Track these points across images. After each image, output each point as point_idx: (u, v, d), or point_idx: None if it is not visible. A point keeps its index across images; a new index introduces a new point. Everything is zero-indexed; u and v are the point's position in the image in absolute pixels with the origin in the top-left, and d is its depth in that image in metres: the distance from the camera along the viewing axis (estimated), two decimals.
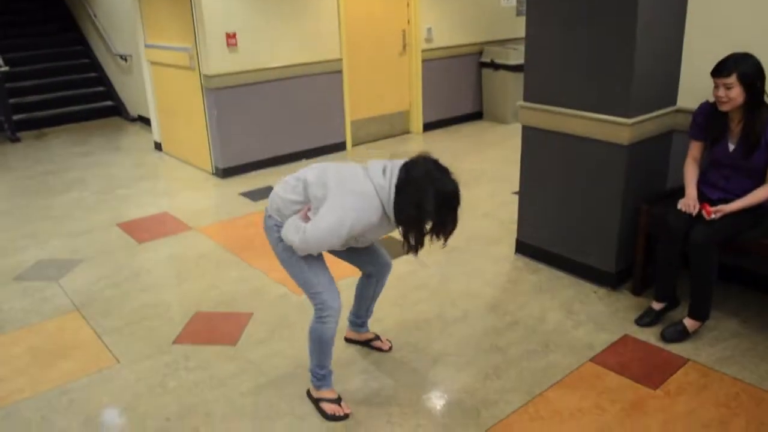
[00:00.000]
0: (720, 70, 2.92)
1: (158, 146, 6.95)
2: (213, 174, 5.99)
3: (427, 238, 2.39)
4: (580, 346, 3.07)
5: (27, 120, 8.05)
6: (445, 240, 2.40)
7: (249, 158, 5.96)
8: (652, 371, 2.86)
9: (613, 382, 2.80)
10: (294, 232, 2.39)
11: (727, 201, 3.03)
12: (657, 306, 3.22)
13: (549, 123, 3.60)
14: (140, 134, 7.79)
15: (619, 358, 2.96)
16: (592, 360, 2.96)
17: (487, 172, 5.77)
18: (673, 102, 3.51)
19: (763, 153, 2.95)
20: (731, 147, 3.05)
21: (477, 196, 5.14)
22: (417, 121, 7.22)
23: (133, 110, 8.51)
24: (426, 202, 2.27)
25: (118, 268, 4.09)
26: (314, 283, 2.54)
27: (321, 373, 2.67)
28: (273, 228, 2.57)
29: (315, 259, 2.55)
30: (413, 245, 2.38)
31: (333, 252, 2.70)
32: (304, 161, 6.25)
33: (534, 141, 3.76)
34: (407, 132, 7.29)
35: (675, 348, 3.02)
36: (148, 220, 4.92)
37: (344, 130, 6.58)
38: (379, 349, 3.09)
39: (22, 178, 6.15)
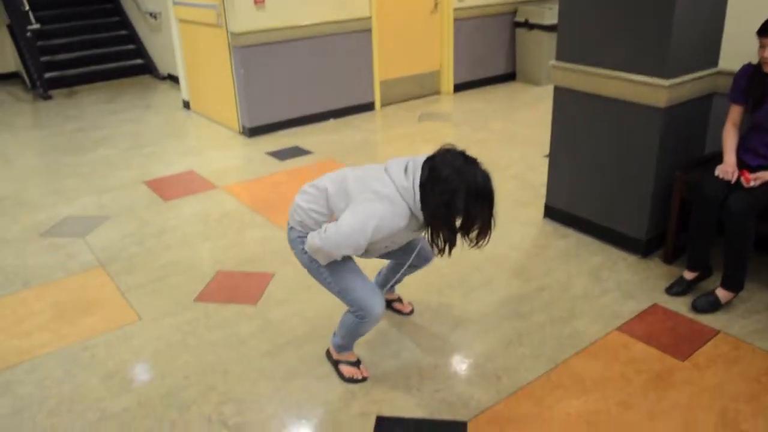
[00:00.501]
0: (767, 29, 2.75)
1: (186, 105, 6.93)
2: (240, 133, 5.96)
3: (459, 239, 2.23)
4: (607, 314, 2.98)
5: (58, 78, 8.09)
6: (479, 242, 2.21)
7: (276, 117, 5.91)
8: (680, 342, 2.76)
9: (639, 351, 2.71)
10: (315, 235, 2.27)
11: (767, 168, 2.89)
12: (689, 275, 3.11)
13: (582, 84, 3.46)
14: (169, 93, 7.78)
15: (647, 327, 2.87)
16: (618, 329, 2.87)
17: (518, 134, 5.63)
18: (715, 63, 3.34)
19: None
20: None
21: (507, 159, 5.02)
22: (448, 82, 7.06)
23: (163, 68, 8.49)
24: (456, 199, 2.09)
25: (143, 226, 4.10)
26: (350, 289, 2.39)
27: (344, 346, 2.64)
28: (297, 240, 2.44)
29: (345, 263, 2.40)
30: (442, 247, 2.22)
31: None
32: (331, 121, 6.18)
33: (566, 102, 3.62)
34: (437, 93, 7.13)
35: (706, 319, 2.91)
36: (175, 178, 4.91)
37: (373, 90, 6.47)
38: (400, 312, 3.04)
39: (52, 135, 6.19)
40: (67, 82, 8.17)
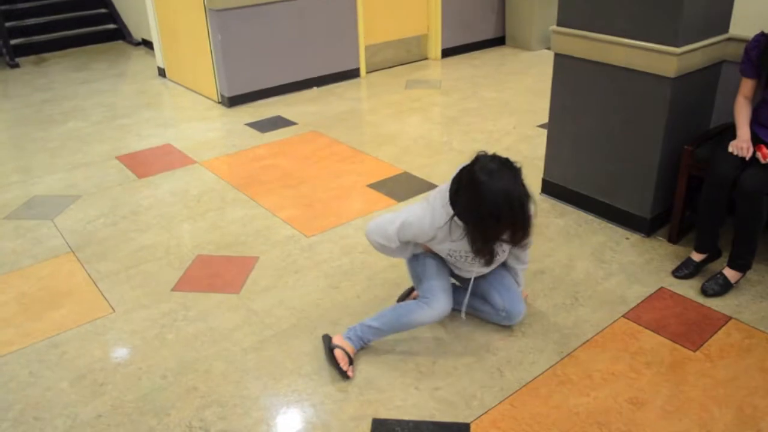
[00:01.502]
0: None
1: (162, 72, 6.59)
2: (218, 102, 5.66)
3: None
4: (612, 300, 2.82)
5: (26, 44, 7.65)
6: (515, 242, 2.25)
7: (256, 86, 5.61)
8: (690, 330, 2.61)
9: (648, 341, 2.55)
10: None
11: None
12: (697, 257, 2.94)
13: (585, 51, 3.23)
14: (144, 59, 7.41)
15: (655, 314, 2.71)
16: (625, 316, 2.71)
17: (510, 102, 5.40)
18: (726, 29, 3.12)
19: None
20: None
21: (500, 129, 4.79)
22: (435, 47, 6.76)
23: (137, 34, 8.09)
24: (476, 201, 2.12)
25: (116, 206, 3.85)
26: (425, 276, 2.49)
27: (370, 332, 2.48)
28: None
29: (430, 259, 2.50)
30: (478, 249, 2.24)
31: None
32: (315, 89, 5.89)
33: (567, 71, 3.39)
34: (425, 58, 6.84)
35: (716, 304, 2.75)
36: (150, 152, 4.64)
37: (358, 55, 6.17)
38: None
39: (19, 107, 5.84)
40: (36, 49, 7.75)
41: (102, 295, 3.00)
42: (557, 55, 3.39)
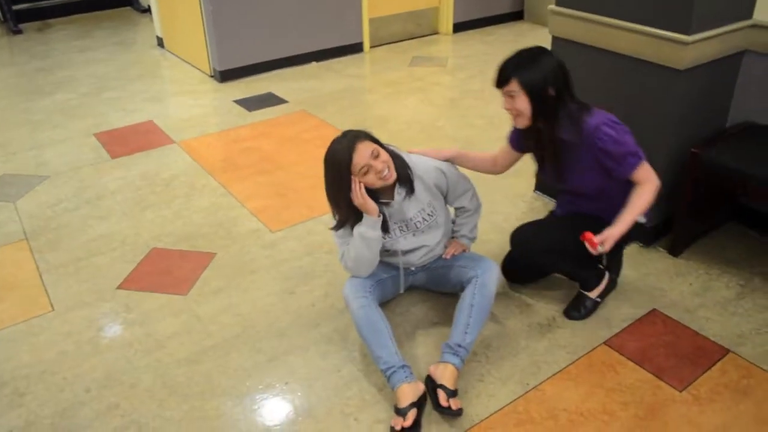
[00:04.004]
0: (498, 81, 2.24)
1: (160, 42, 6.33)
2: (211, 76, 5.38)
3: None
4: (595, 322, 2.50)
5: (30, 10, 7.44)
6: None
7: (250, 60, 5.31)
8: (680, 364, 2.28)
9: (629, 375, 2.24)
10: None
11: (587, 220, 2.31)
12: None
13: (586, 35, 2.86)
14: (148, 27, 7.14)
15: (642, 341, 2.39)
16: (607, 342, 2.39)
17: None
18: (749, 14, 2.72)
19: (590, 173, 2.30)
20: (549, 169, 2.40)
21: (500, 114, 4.38)
22: (446, 21, 6.36)
23: None
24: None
25: (82, 189, 3.62)
26: None
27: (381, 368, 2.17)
28: None
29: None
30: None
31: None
32: (313, 64, 5.57)
33: (565, 57, 2.98)
34: (435, 32, 6.45)
35: (714, 332, 2.42)
36: (129, 129, 4.40)
37: (361, 28, 5.81)
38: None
39: (12, 75, 5.65)
40: (41, 15, 7.56)
41: (45, 290, 2.79)
42: (555, 39, 3.03)
